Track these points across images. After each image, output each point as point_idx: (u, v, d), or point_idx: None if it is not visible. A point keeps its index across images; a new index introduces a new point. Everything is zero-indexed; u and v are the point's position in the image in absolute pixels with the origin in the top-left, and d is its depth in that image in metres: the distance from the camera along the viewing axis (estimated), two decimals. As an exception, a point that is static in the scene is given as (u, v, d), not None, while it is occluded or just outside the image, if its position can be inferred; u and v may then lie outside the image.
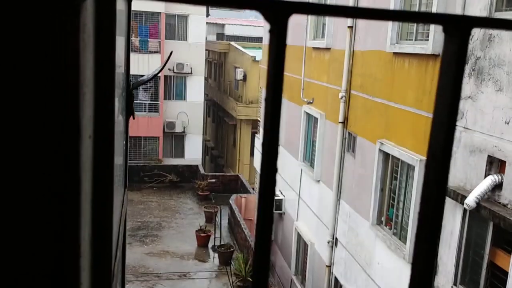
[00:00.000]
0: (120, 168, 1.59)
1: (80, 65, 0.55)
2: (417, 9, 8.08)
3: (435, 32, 7.31)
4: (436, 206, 0.49)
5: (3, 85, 0.52)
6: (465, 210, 6.45)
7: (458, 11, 6.80)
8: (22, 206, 0.57)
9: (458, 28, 0.47)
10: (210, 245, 17.14)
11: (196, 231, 17.33)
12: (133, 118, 1.87)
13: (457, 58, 0.46)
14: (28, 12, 0.51)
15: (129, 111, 1.80)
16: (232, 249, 16.26)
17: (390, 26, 8.60)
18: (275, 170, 0.45)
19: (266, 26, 0.43)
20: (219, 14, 42.40)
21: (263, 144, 0.44)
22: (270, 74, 0.43)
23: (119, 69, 1.46)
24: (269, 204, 0.45)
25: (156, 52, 24.36)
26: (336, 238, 10.91)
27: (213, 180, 22.46)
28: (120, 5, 1.49)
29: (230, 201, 18.81)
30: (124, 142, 1.77)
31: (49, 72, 0.53)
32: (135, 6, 22.70)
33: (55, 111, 0.54)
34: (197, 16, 25.36)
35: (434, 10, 7.33)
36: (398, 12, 0.48)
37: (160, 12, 24.29)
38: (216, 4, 0.44)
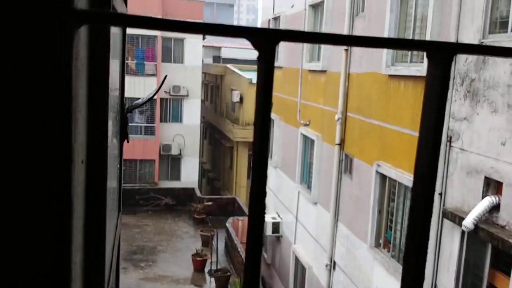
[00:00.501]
0: (114, 191, 1.56)
1: (73, 92, 0.56)
2: (411, 32, 8.18)
3: (430, 54, 7.38)
4: (423, 226, 0.49)
5: None
6: (463, 232, 6.40)
7: (452, 34, 6.88)
8: (13, 230, 0.56)
9: (440, 54, 0.48)
10: (206, 269, 16.92)
11: (192, 255, 17.13)
12: (127, 141, 1.86)
13: (440, 84, 0.48)
14: (19, 40, 0.51)
15: (123, 135, 1.79)
16: (229, 274, 16.05)
17: (385, 49, 8.68)
18: (264, 193, 0.46)
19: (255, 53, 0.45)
20: (216, 37, 42.83)
21: (253, 169, 0.45)
22: (259, 100, 0.44)
23: (114, 92, 1.45)
24: (258, 228, 0.46)
25: (152, 75, 24.48)
26: (334, 261, 10.80)
27: (210, 203, 22.31)
28: (115, 28, 1.49)
29: (227, 224, 18.66)
30: (118, 166, 1.75)
31: (41, 98, 0.54)
32: (131, 29, 22.84)
33: (47, 136, 0.55)
34: (193, 39, 25.59)
35: (428, 32, 7.42)
36: (384, 39, 0.50)
37: (156, 36, 24.52)
38: (205, 33, 0.45)
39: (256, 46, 0.44)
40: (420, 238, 0.49)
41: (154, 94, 2.80)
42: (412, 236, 0.49)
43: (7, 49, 0.51)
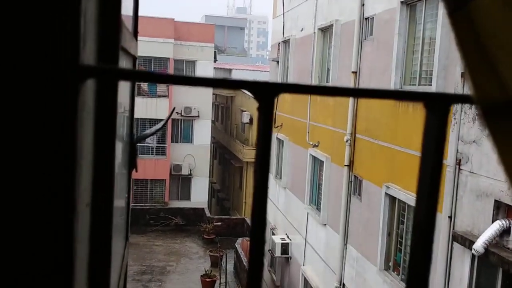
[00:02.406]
0: (122, 220, 1.60)
1: (77, 139, 0.56)
2: (419, 55, 8.24)
3: (438, 77, 7.43)
4: (425, 252, 0.49)
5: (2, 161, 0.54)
6: (473, 256, 6.34)
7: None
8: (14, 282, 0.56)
9: (437, 105, 0.50)
10: (215, 290, 16.81)
11: (201, 276, 17.04)
12: (136, 171, 1.90)
13: (437, 132, 0.49)
14: (26, 94, 0.53)
15: (132, 165, 1.82)
16: (237, 295, 15.93)
17: (393, 71, 8.75)
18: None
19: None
20: (227, 60, 43.32)
21: (252, 218, 0.47)
22: (258, 147, 0.45)
23: (123, 119, 1.48)
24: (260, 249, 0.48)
25: (164, 96, 24.75)
26: (344, 284, 10.69)
27: (219, 223, 22.28)
28: (125, 56, 1.51)
29: (236, 245, 18.58)
30: (126, 195, 1.79)
31: (46, 149, 0.55)
32: (143, 52, 23.20)
33: (49, 181, 0.55)
34: (204, 61, 25.92)
35: (436, 55, 7.48)
36: (383, 91, 0.52)
37: (168, 58, 24.87)
38: (212, 86, 0.49)
39: (256, 97, 0.46)
40: (422, 260, 0.49)
41: (162, 126, 2.86)
42: (415, 259, 0.49)
43: (16, 104, 0.53)
